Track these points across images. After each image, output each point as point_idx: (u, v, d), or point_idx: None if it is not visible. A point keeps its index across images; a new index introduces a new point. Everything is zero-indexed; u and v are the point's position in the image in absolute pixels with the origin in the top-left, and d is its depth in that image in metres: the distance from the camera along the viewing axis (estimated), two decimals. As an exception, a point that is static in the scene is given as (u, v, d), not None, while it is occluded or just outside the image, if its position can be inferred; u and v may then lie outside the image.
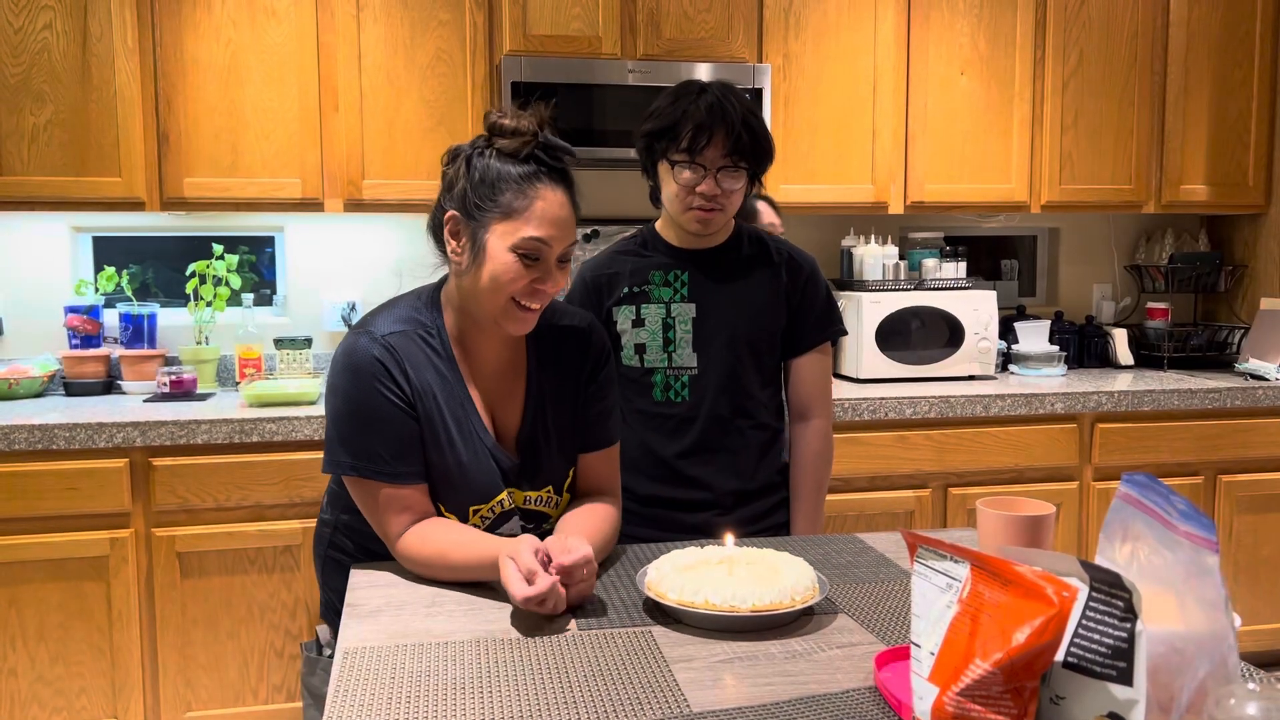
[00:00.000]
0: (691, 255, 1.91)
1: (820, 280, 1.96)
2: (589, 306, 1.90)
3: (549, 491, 1.58)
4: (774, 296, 1.91)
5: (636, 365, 1.90)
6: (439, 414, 1.48)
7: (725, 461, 1.90)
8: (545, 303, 1.48)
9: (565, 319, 1.62)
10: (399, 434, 1.45)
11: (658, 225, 1.95)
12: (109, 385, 3.07)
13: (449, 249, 1.48)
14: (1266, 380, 3.26)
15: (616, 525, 1.60)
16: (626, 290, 1.90)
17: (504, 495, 1.53)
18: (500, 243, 1.42)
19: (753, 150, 1.79)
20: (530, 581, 1.27)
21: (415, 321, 1.51)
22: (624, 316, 1.90)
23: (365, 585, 1.44)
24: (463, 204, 1.45)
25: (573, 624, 1.28)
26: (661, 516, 1.91)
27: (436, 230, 1.52)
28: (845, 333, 2.03)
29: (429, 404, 1.48)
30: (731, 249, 1.92)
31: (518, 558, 1.29)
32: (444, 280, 1.56)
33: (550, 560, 1.31)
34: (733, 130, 1.75)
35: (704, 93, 1.78)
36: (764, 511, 1.95)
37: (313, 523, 2.65)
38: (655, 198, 1.93)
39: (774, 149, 1.85)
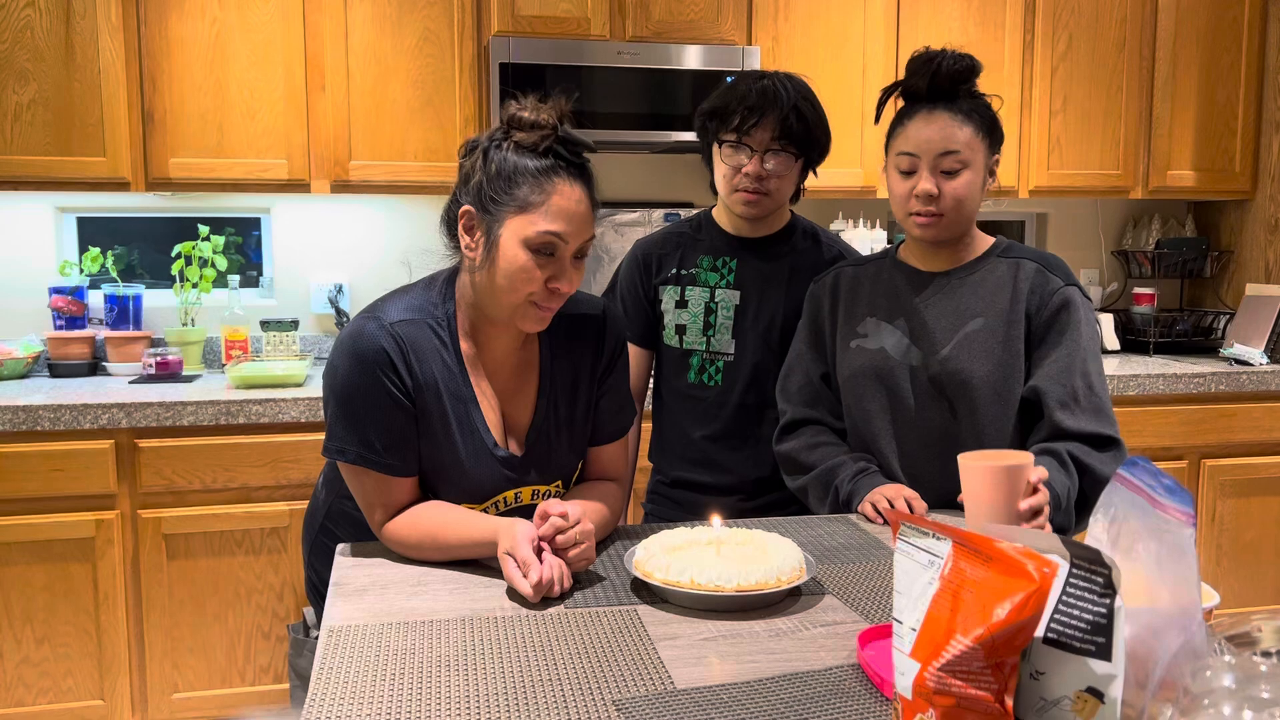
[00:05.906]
0: (742, 243, 1.93)
1: None
2: (635, 282, 1.97)
3: (558, 486, 1.58)
4: None
5: (676, 345, 1.94)
6: (440, 409, 1.46)
7: (752, 449, 1.92)
8: (561, 302, 1.45)
9: (579, 307, 1.57)
10: (395, 426, 1.43)
11: (714, 211, 1.98)
12: (94, 367, 3.05)
13: (463, 244, 1.44)
14: (1251, 365, 3.28)
15: (619, 507, 1.59)
16: (674, 271, 1.94)
17: (507, 494, 1.52)
18: (514, 237, 1.39)
19: (803, 136, 1.81)
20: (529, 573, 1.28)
21: (427, 310, 1.48)
22: (668, 296, 1.94)
23: (351, 564, 1.44)
24: (478, 198, 1.41)
25: (560, 603, 1.28)
26: (687, 499, 1.95)
27: (451, 224, 1.48)
28: None
29: (430, 398, 1.45)
30: (783, 240, 1.94)
31: (515, 553, 1.29)
32: (457, 268, 1.51)
33: (543, 548, 1.31)
34: (782, 113, 1.78)
35: (761, 79, 1.82)
36: (789, 499, 1.95)
37: (299, 505, 2.66)
38: (714, 185, 1.95)
39: (829, 138, 1.87)
